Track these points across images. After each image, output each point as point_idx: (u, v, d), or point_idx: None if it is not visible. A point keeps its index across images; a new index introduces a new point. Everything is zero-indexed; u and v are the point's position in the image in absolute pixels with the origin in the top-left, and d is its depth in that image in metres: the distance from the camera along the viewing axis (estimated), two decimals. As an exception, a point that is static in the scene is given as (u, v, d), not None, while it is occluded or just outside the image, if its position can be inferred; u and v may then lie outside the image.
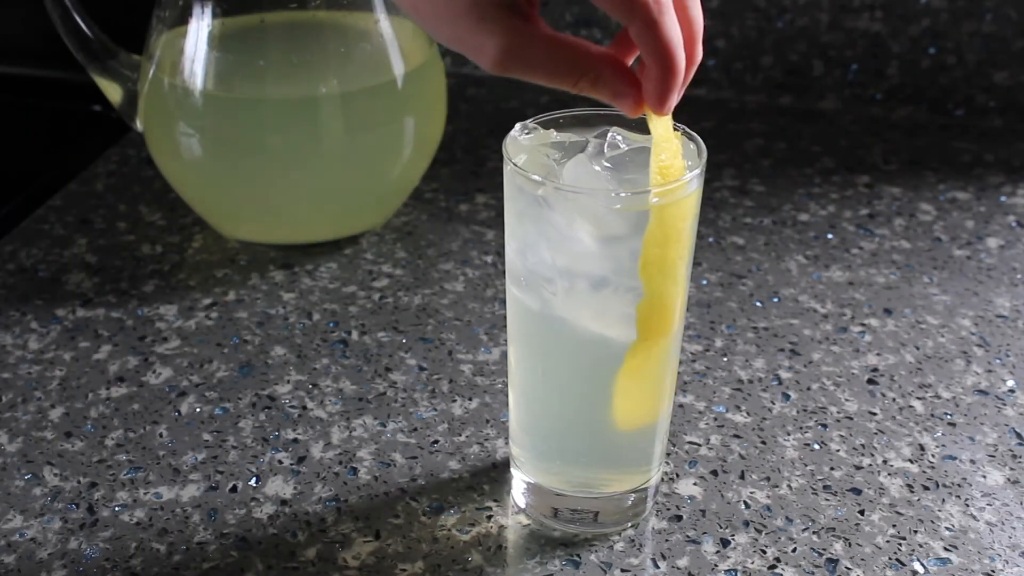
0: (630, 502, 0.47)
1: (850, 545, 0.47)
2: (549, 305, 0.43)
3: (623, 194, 0.41)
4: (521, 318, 0.45)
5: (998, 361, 0.59)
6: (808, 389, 0.56)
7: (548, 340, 0.45)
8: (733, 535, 0.47)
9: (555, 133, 0.44)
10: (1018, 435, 0.53)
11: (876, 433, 0.53)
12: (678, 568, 0.45)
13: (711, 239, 0.70)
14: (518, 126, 0.44)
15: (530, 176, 0.41)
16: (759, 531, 0.47)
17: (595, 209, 0.41)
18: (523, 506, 0.49)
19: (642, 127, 0.44)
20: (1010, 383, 0.57)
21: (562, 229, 0.41)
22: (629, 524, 0.48)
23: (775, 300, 0.64)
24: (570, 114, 0.44)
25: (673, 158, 0.41)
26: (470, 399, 0.56)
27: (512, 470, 0.49)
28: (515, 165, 0.41)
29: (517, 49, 0.37)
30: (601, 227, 0.41)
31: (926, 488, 0.50)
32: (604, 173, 0.42)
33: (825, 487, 0.50)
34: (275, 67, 0.62)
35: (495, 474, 0.51)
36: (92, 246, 0.69)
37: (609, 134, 0.43)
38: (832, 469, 0.51)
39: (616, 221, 0.41)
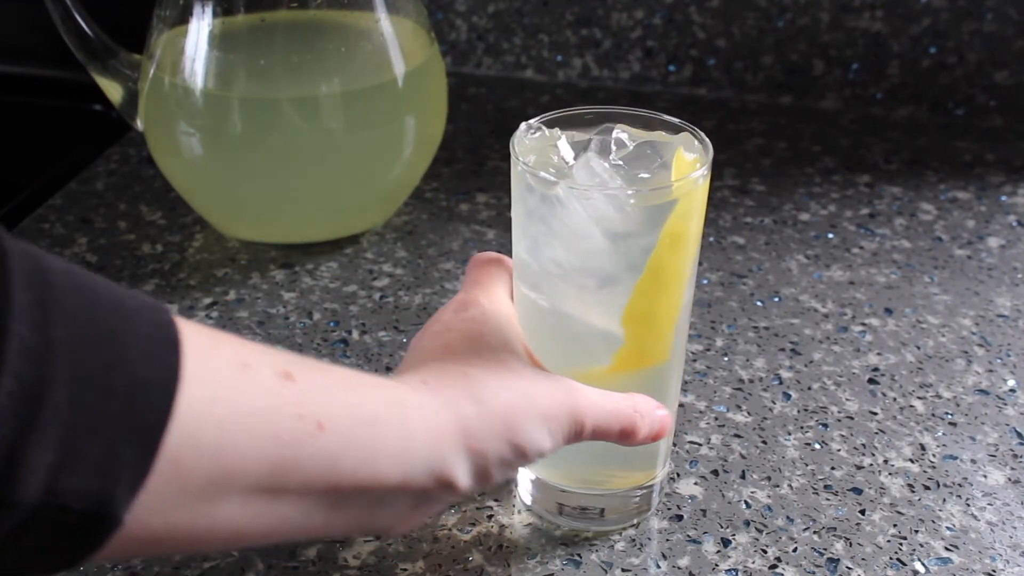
0: (636, 499, 0.47)
1: (851, 545, 0.47)
2: (558, 302, 0.43)
3: (638, 190, 0.41)
4: (529, 315, 0.45)
5: (999, 361, 0.59)
6: (809, 389, 0.56)
7: (556, 336, 0.45)
8: (734, 535, 0.47)
9: (559, 132, 0.44)
10: (1019, 435, 0.53)
11: (877, 433, 0.53)
12: (679, 568, 0.45)
13: (712, 239, 0.70)
14: (523, 126, 0.44)
15: (544, 176, 0.41)
16: (760, 531, 0.47)
17: (608, 206, 0.41)
18: (528, 503, 0.49)
19: (644, 124, 0.44)
20: (1011, 383, 0.57)
21: (574, 227, 0.41)
22: (635, 521, 0.48)
23: (776, 299, 0.64)
24: (573, 113, 0.44)
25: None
26: (471, 399, 0.56)
27: None
28: (526, 165, 0.41)
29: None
30: (614, 224, 0.41)
31: (927, 488, 0.50)
32: (613, 170, 0.42)
33: (826, 487, 0.50)
34: (276, 66, 0.62)
35: (496, 474, 0.51)
36: (92, 245, 0.69)
37: (614, 131, 0.43)
38: (833, 469, 0.51)
39: (629, 218, 0.41)
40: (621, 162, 0.42)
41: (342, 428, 0.33)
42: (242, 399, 0.31)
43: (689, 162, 0.41)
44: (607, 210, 0.41)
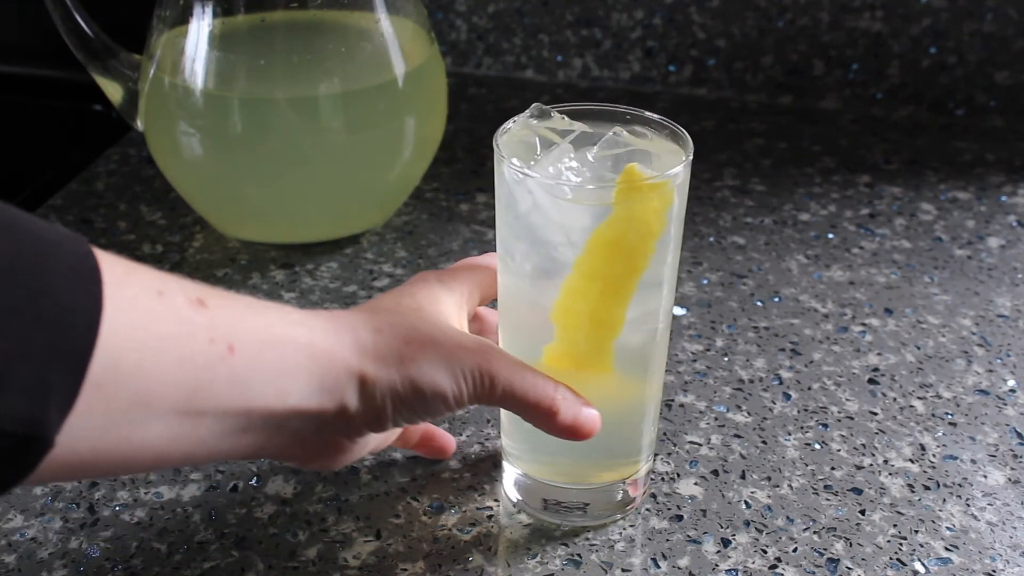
0: (619, 494, 0.47)
1: (851, 545, 0.47)
2: (509, 281, 0.44)
3: (571, 186, 0.41)
4: (500, 292, 0.46)
5: (999, 361, 0.59)
6: (809, 389, 0.56)
7: (506, 317, 0.45)
8: (734, 535, 0.47)
9: (566, 119, 0.44)
10: (1019, 435, 0.53)
11: (877, 433, 0.53)
12: (679, 568, 0.45)
13: (712, 239, 0.70)
14: (535, 106, 0.44)
15: (500, 151, 0.42)
16: (760, 531, 0.47)
17: (543, 194, 0.41)
18: (514, 499, 0.49)
19: (650, 124, 0.44)
20: (1011, 383, 0.57)
21: (519, 209, 0.42)
22: (619, 515, 0.48)
23: (776, 300, 0.64)
24: (591, 108, 0.44)
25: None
26: (471, 399, 0.56)
27: (503, 462, 0.49)
28: (496, 140, 0.42)
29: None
30: (550, 214, 0.42)
31: (927, 488, 0.50)
32: (586, 167, 0.42)
33: (826, 487, 0.50)
34: (276, 66, 0.62)
35: (496, 474, 0.51)
36: (93, 245, 0.69)
37: (612, 132, 0.43)
38: (833, 469, 0.51)
39: (563, 212, 0.41)
40: (596, 160, 0.42)
41: (251, 350, 0.34)
42: (158, 325, 0.32)
43: (638, 175, 0.40)
44: (542, 198, 0.41)
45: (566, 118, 0.44)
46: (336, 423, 0.38)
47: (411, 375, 0.38)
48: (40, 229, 0.30)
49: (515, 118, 0.44)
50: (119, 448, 0.32)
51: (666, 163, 0.42)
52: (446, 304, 0.43)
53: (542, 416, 0.41)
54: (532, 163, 0.42)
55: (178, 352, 0.32)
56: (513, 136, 0.43)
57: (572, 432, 0.41)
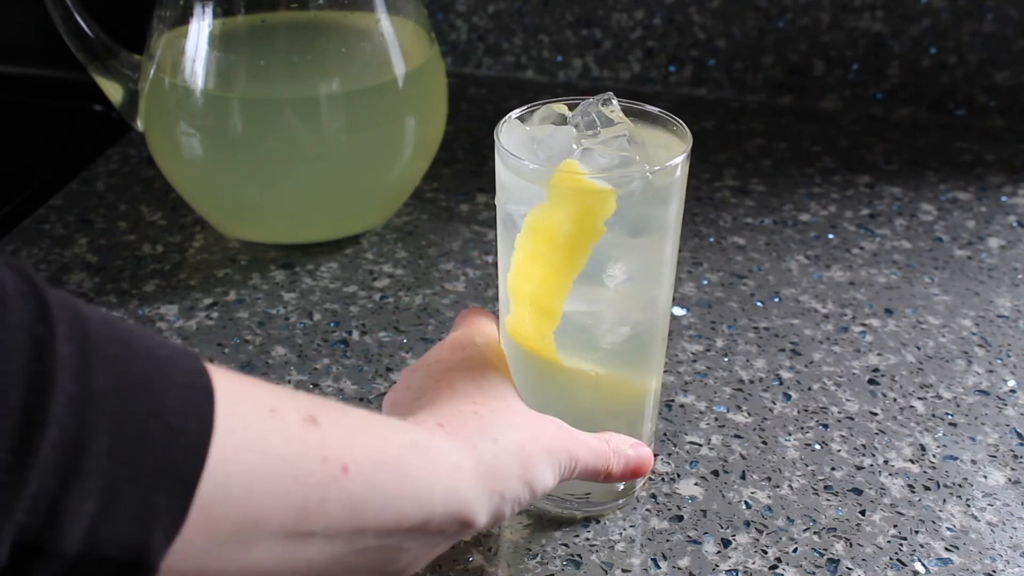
0: (620, 483, 0.48)
1: (851, 545, 0.47)
2: (504, 259, 0.45)
3: (531, 165, 0.41)
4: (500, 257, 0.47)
5: (999, 361, 0.59)
6: (809, 389, 0.56)
7: (505, 290, 0.46)
8: (734, 535, 0.47)
9: (617, 113, 0.44)
10: (1019, 435, 0.53)
11: (877, 433, 0.53)
12: (679, 568, 0.45)
13: (712, 239, 0.70)
14: (609, 94, 0.44)
15: (502, 128, 0.43)
16: (760, 531, 0.47)
17: (502, 164, 0.42)
18: None
19: (654, 127, 0.44)
20: (1011, 383, 0.57)
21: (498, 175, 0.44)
22: (620, 502, 0.48)
23: (776, 300, 0.64)
24: (645, 110, 0.45)
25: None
26: (471, 399, 0.56)
27: None
28: (511, 113, 0.44)
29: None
30: (512, 184, 0.42)
31: (927, 488, 0.50)
32: (553, 149, 0.42)
33: (826, 487, 0.50)
34: (276, 67, 0.62)
35: (496, 474, 0.51)
36: (93, 246, 0.69)
37: (618, 134, 0.43)
38: (833, 469, 0.51)
39: (518, 185, 0.42)
40: (584, 148, 0.42)
41: (365, 471, 0.34)
42: (270, 445, 0.31)
43: (572, 171, 0.40)
44: (502, 167, 0.42)
45: (618, 112, 0.44)
46: (456, 533, 0.38)
47: (531, 482, 0.40)
48: (152, 344, 0.30)
49: (589, 98, 0.44)
50: (224, 570, 0.31)
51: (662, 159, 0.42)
52: (503, 369, 0.44)
53: (602, 478, 0.44)
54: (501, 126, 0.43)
55: (290, 472, 0.32)
56: (556, 108, 0.44)
57: (627, 478, 0.45)
